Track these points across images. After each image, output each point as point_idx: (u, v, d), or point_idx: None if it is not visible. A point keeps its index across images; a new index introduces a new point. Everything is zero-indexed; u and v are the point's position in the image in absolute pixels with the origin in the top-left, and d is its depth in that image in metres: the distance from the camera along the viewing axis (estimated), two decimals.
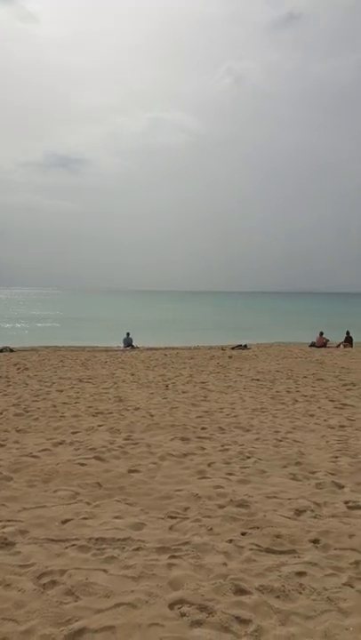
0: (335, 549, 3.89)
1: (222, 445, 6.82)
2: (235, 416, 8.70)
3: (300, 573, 3.49)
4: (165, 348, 24.36)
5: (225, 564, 3.59)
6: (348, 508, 4.71)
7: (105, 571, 3.49)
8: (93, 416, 8.51)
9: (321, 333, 25.05)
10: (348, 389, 11.69)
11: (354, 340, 25.64)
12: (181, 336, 32.29)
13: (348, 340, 25.40)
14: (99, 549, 3.80)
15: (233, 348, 23.03)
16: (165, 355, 20.16)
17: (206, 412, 9.01)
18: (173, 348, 24.75)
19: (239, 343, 24.11)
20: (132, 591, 3.24)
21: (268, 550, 3.85)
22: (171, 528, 4.23)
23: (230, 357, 18.97)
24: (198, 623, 2.93)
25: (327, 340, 24.86)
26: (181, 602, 3.12)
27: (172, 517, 4.45)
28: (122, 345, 24.55)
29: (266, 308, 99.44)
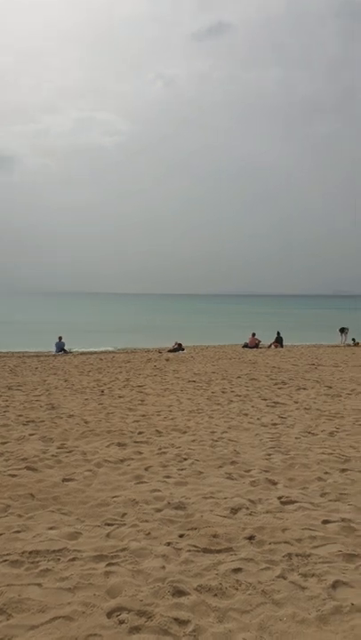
0: (269, 544, 4.00)
1: (159, 449, 6.82)
2: (172, 419, 8.74)
3: (237, 570, 3.56)
4: (101, 352, 24.05)
5: (163, 568, 3.59)
6: (282, 503, 4.87)
7: (39, 585, 3.37)
8: (24, 425, 8.21)
9: (253, 334, 25.80)
10: (279, 388, 12.11)
11: (284, 341, 26.64)
12: (117, 339, 31.95)
13: (279, 341, 26.36)
14: (32, 563, 3.67)
15: (170, 351, 23.18)
16: (101, 359, 19.90)
17: (143, 415, 8.98)
18: (109, 352, 24.50)
19: (178, 342, 24.15)
20: (69, 603, 3.15)
21: (206, 550, 3.90)
22: (108, 535, 4.16)
23: (167, 360, 19.06)
24: (137, 629, 2.91)
25: (259, 341, 25.65)
26: (120, 609, 3.08)
27: (108, 524, 4.39)
28: (54, 350, 23.89)
29: (200, 309, 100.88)
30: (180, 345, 23.87)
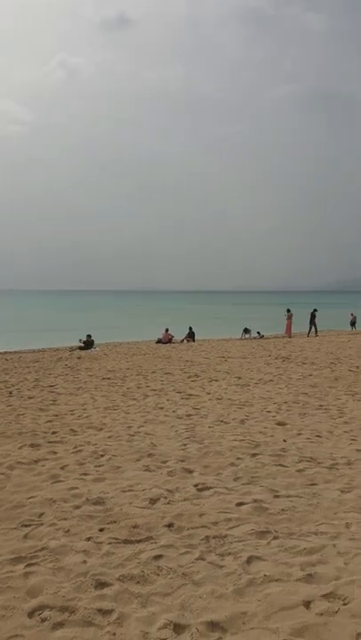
0: (188, 530, 4.16)
1: (75, 447, 6.75)
2: (87, 417, 8.65)
3: (158, 557, 3.67)
4: (5, 353, 22.95)
5: (85, 562, 3.60)
6: (198, 490, 5.06)
7: None
8: None
9: (166, 330, 26.18)
10: (192, 381, 12.45)
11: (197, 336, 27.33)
12: (23, 338, 30.60)
13: (191, 335, 27.01)
14: None
15: (81, 348, 22.63)
16: (7, 359, 19.05)
17: (56, 415, 8.79)
18: (15, 352, 23.47)
19: (88, 334, 23.37)
20: None
21: (127, 541, 3.96)
22: (25, 536, 4.07)
23: (79, 358, 18.73)
24: (60, 624, 2.90)
25: (172, 337, 26.08)
26: (41, 607, 3.05)
27: (25, 525, 4.28)
28: None
29: (111, 306, 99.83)
30: (89, 339, 23.15)
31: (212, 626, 2.87)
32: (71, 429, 7.75)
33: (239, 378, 12.79)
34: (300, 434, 7.28)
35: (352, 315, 35.73)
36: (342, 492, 5.02)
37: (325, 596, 3.17)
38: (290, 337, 28.00)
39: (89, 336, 23.20)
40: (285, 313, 29.42)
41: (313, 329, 28.99)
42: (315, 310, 29.50)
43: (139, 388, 11.62)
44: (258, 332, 29.92)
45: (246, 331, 30.21)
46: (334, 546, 3.85)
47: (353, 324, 34.82)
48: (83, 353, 20.89)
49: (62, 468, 5.85)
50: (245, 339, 28.91)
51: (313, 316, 29.06)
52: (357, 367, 14.39)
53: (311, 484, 5.23)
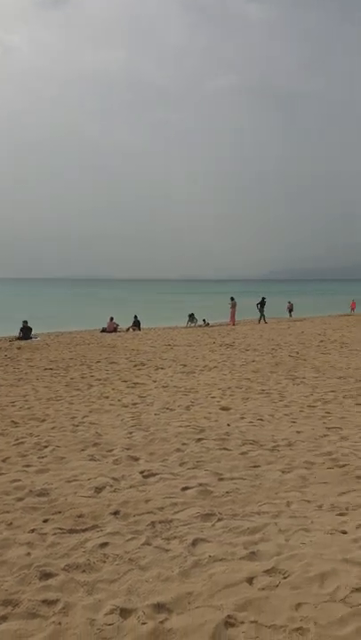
0: (134, 516, 4.18)
1: (17, 439, 6.58)
2: (28, 408, 8.45)
3: (104, 544, 3.66)
4: None
5: (29, 554, 3.54)
6: (144, 477, 5.09)
7: None
8: None
9: (111, 318, 25.94)
10: (138, 369, 12.45)
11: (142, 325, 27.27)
12: None
13: (136, 324, 26.93)
14: None
15: (19, 338, 21.87)
16: None
17: None
18: None
19: (24, 320, 22.61)
20: None
21: (72, 531, 3.92)
22: None
23: (19, 348, 18.18)
24: (4, 618, 2.84)
25: (117, 325, 25.88)
26: None
27: None
28: None
29: (49, 296, 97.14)
30: (26, 325, 22.31)
31: (159, 607, 2.92)
32: (12, 421, 7.55)
33: (185, 365, 12.91)
34: (243, 418, 7.47)
35: (289, 303, 36.93)
36: (283, 472, 5.21)
37: (267, 572, 3.30)
38: (234, 325, 28.54)
39: (25, 322, 22.53)
40: (229, 302, 29.94)
41: (262, 316, 29.78)
42: (263, 298, 30.31)
43: (83, 377, 11.47)
44: (203, 320, 30.28)
45: (192, 317, 30.50)
46: (276, 524, 4.00)
47: (290, 311, 36.03)
48: (23, 343, 20.28)
49: (3, 461, 5.70)
50: (191, 327, 29.19)
51: (262, 304, 29.86)
52: (297, 353, 14.92)
53: (254, 466, 5.39)
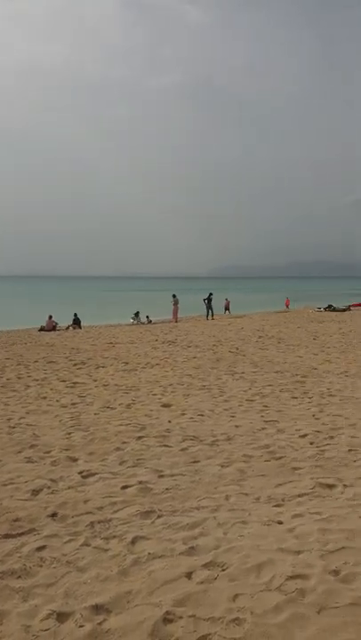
0: (72, 517, 4.11)
1: None
2: None
3: (40, 548, 3.57)
4: None
5: None
6: (83, 477, 5.01)
7: None
8: None
9: (50, 317, 25.28)
10: (78, 368, 12.21)
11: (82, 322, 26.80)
12: None
13: (77, 322, 26.42)
14: None
15: None
16: None
17: None
18: None
19: None
20: None
21: (7, 536, 3.79)
22: None
23: None
24: None
25: (56, 324, 25.27)
26: None
27: None
28: None
29: None
30: None
31: (97, 609, 2.88)
32: None
33: (126, 363, 12.83)
34: (183, 414, 7.54)
35: (226, 300, 37.38)
36: (222, 466, 5.31)
37: (206, 566, 3.35)
38: (176, 322, 28.70)
39: None
40: (172, 299, 30.05)
41: (210, 312, 30.15)
42: (210, 294, 30.75)
43: (19, 378, 11.09)
44: (147, 317, 30.22)
45: (136, 315, 30.35)
46: (215, 518, 4.07)
47: (227, 308, 36.48)
48: None
49: None
50: (134, 324, 29.06)
51: (209, 300, 30.26)
52: (237, 348, 15.23)
53: (194, 462, 5.45)
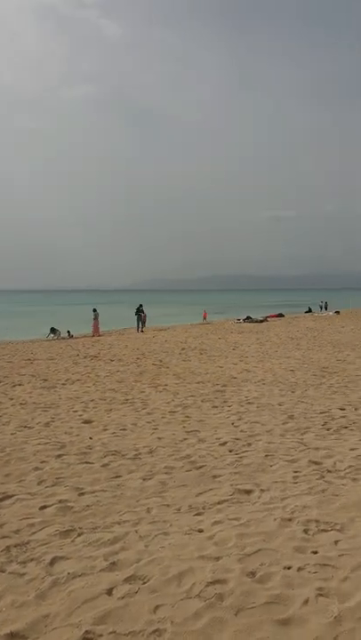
0: None
1: None
2: None
3: None
4: None
5: None
6: None
7: None
8: None
9: None
10: None
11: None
12: None
13: None
14: None
15: None
16: None
17: None
18: None
19: None
20: None
21: None
22: None
23: None
24: None
25: None
26: None
27: None
28: None
29: None
30: None
31: (12, 637, 2.77)
32: None
33: (45, 380, 12.44)
34: (105, 429, 7.45)
35: (143, 314, 37.33)
36: (144, 479, 5.31)
37: (127, 580, 3.33)
38: (99, 336, 28.33)
39: None
40: (92, 313, 29.67)
41: (140, 324, 30.12)
42: (141, 306, 30.80)
43: None
44: (68, 332, 29.51)
45: (53, 330, 29.50)
46: (136, 531, 4.06)
47: (143, 322, 36.36)
48: None
49: None
50: (53, 339, 28.25)
51: (139, 311, 30.30)
52: (160, 361, 15.33)
53: (115, 477, 5.40)
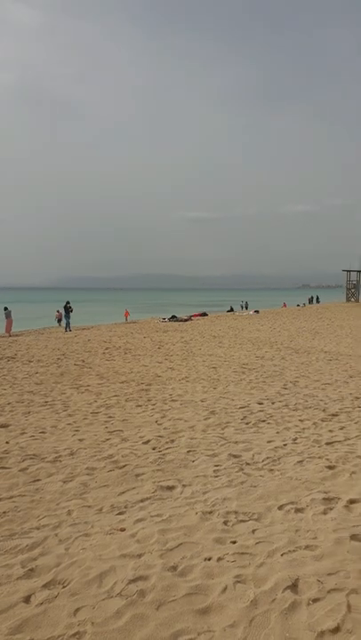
0: None
1: None
2: None
3: None
4: None
5: None
6: None
7: None
8: None
9: None
10: None
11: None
12: None
13: None
14: None
15: None
16: None
17: None
18: None
19: None
20: None
21: None
22: None
23: None
24: None
25: None
26: None
27: None
28: None
29: None
30: None
31: None
32: None
33: None
34: (23, 433, 7.17)
35: (58, 312, 36.03)
36: (65, 482, 5.18)
37: (46, 586, 3.24)
38: (9, 335, 27.18)
39: None
40: (4, 311, 28.44)
41: (67, 323, 29.28)
42: (67, 303, 29.95)
43: None
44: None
45: None
46: (56, 535, 3.96)
47: (59, 321, 35.35)
48: None
49: None
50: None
51: (67, 309, 29.49)
52: (83, 361, 15.04)
53: (34, 481, 5.23)
